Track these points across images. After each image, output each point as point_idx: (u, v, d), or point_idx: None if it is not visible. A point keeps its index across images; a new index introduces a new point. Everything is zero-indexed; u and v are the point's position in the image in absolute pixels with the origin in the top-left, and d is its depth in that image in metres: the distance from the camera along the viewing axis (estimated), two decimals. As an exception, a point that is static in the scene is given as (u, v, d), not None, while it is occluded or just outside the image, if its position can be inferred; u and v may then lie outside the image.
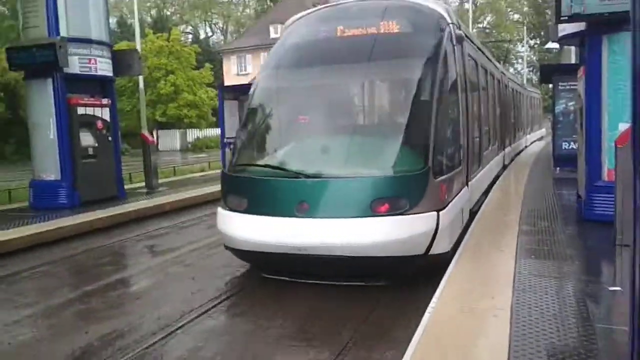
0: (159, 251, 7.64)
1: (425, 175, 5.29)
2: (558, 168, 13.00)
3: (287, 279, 5.60)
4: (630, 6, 1.55)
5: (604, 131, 6.45)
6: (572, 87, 12.18)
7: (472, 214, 7.40)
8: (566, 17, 6.10)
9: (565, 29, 7.14)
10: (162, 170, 19.29)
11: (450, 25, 6.42)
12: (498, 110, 12.06)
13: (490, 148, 10.20)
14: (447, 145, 6.07)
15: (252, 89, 6.58)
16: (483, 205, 8.27)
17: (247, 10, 79.36)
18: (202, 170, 18.48)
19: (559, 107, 13.12)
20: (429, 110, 5.58)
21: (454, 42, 6.45)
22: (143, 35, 35.99)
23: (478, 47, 9.43)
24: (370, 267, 5.27)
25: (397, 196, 5.16)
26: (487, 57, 10.88)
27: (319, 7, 7.08)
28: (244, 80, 43.11)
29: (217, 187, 12.40)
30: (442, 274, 4.95)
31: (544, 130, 31.06)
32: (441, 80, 5.80)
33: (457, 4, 73.55)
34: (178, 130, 38.32)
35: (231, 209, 5.71)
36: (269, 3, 68.36)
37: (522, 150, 19.26)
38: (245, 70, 53.32)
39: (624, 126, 6.02)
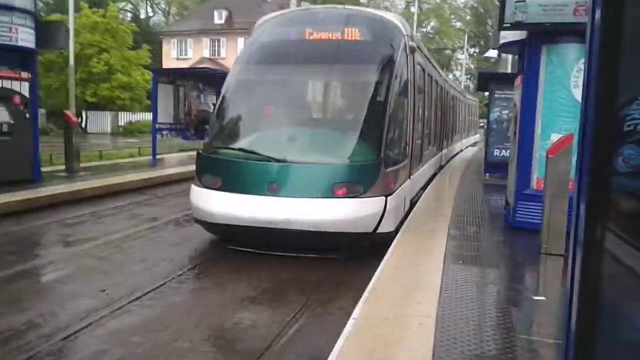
0: (72, 241, 7.04)
1: (378, 165, 6.16)
2: (488, 174, 13.34)
3: (251, 250, 6.17)
4: (589, 15, 1.39)
5: (536, 140, 6.53)
6: (507, 95, 12.49)
7: (412, 204, 8.29)
8: (509, 25, 6.11)
9: (507, 36, 7.19)
10: (87, 154, 18.27)
11: (405, 37, 7.29)
12: (439, 115, 13.18)
13: (430, 148, 11.32)
14: (396, 141, 6.96)
15: (226, 80, 7.23)
16: (416, 207, 8.28)
17: (192, -7, 77.21)
18: (131, 156, 17.58)
19: (493, 115, 13.46)
20: (383, 111, 6.46)
21: (407, 52, 7.31)
22: (78, 9, 34.08)
23: (426, 56, 10.41)
24: (326, 242, 6.04)
25: (353, 182, 6.02)
26: (433, 65, 11.87)
27: (290, 9, 8.00)
28: (184, 65, 41.92)
29: (143, 175, 11.93)
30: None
31: (478, 136, 32.30)
32: (394, 86, 6.67)
33: (403, 6, 75.03)
34: (109, 112, 36.54)
35: (205, 187, 6.31)
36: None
37: (457, 153, 20.30)
38: (185, 54, 51.77)
39: (556, 136, 6.10)
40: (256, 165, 6.13)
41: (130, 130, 35.15)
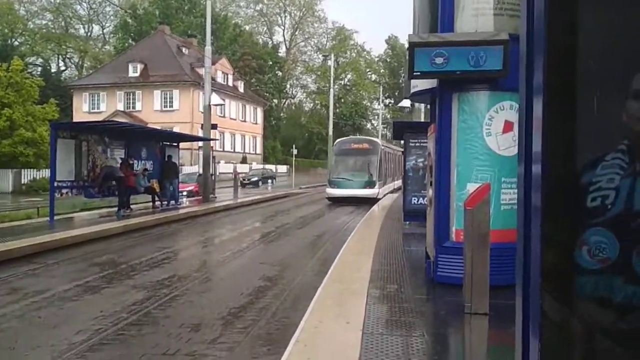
0: None
1: (375, 181, 25.50)
2: (408, 222, 13.15)
3: (341, 203, 24.11)
4: (523, 66, 0.96)
5: (453, 191, 6.24)
6: (422, 144, 12.51)
7: (383, 197, 25.98)
8: (419, 73, 5.89)
9: (418, 85, 7.01)
10: (-23, 217, 16.42)
11: (381, 144, 27.84)
12: (392, 165, 30.51)
13: (389, 179, 29.72)
14: (380, 175, 26.10)
15: (332, 159, 28.15)
16: (335, 261, 7.98)
17: (107, 47, 75.43)
18: (28, 217, 15.94)
19: (410, 163, 13.45)
20: (377, 167, 25.76)
21: (381, 149, 26.97)
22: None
23: (388, 146, 31.97)
24: (362, 200, 23.64)
25: (369, 184, 25.22)
26: (389, 147, 32.00)
27: (348, 137, 33.78)
28: (96, 119, 39.94)
29: (32, 240, 10.53)
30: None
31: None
32: (379, 159, 26.06)
33: (320, 61, 77.19)
34: (11, 170, 33.87)
35: (331, 188, 25.38)
36: (130, 41, 65.54)
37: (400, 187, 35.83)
38: (98, 108, 49.79)
39: (472, 186, 5.85)
40: (344, 180, 25.06)
41: (34, 188, 32.67)
